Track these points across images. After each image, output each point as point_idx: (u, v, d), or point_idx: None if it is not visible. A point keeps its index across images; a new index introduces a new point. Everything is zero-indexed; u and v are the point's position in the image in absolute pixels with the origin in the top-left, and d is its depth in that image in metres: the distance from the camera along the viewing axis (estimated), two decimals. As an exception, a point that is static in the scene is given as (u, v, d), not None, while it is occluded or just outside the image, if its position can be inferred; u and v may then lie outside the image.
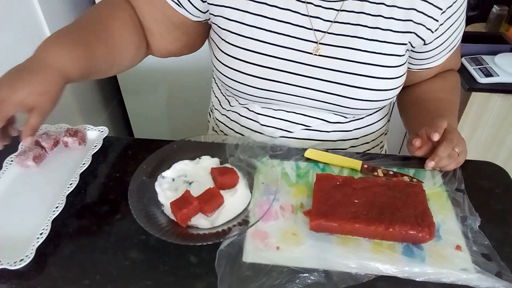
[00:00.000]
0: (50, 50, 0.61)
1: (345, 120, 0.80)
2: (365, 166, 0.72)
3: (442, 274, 0.56)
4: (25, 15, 1.17)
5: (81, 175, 0.70)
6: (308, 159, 0.74)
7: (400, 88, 0.75)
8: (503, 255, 0.58)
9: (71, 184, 0.68)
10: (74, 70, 0.62)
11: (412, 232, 0.58)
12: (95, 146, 0.76)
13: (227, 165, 0.70)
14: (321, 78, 0.71)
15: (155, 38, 0.79)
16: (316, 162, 0.74)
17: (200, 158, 0.72)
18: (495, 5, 1.57)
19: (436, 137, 0.67)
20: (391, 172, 0.71)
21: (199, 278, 0.56)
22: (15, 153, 0.74)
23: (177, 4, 0.73)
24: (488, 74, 1.37)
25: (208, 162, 0.71)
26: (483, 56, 1.45)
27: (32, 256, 0.57)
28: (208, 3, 0.72)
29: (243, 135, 0.86)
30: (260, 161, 0.72)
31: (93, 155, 0.74)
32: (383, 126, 0.89)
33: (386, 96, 0.74)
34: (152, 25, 0.77)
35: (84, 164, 0.72)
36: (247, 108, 0.83)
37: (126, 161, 0.75)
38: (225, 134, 0.90)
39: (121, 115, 1.84)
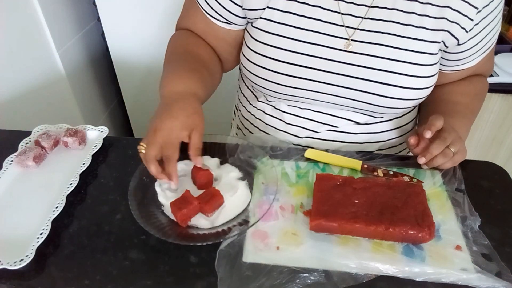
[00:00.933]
0: (180, 84, 0.69)
1: (373, 121, 0.80)
2: (365, 166, 0.72)
3: (442, 274, 0.56)
4: (25, 15, 1.17)
5: (81, 175, 0.70)
6: (308, 159, 0.74)
7: (431, 88, 0.74)
8: (503, 255, 0.58)
9: (71, 184, 0.68)
10: (202, 93, 0.71)
11: (412, 232, 0.58)
12: (95, 146, 0.76)
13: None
14: (352, 75, 0.70)
15: (223, 60, 0.85)
16: (316, 162, 0.74)
17: (200, 158, 0.72)
18: (495, 5, 1.57)
19: (427, 134, 0.66)
20: (391, 172, 0.71)
21: (199, 278, 0.56)
22: (15, 153, 0.74)
23: (226, 23, 0.76)
24: (488, 74, 1.36)
25: (208, 162, 0.71)
26: (483, 56, 1.45)
27: (32, 256, 0.57)
28: (244, 9, 0.72)
29: (267, 133, 0.85)
30: (260, 161, 0.72)
31: (93, 155, 0.74)
32: (411, 130, 0.88)
33: (417, 95, 0.72)
34: (217, 52, 0.82)
35: (84, 164, 0.72)
36: (273, 106, 0.83)
37: (126, 161, 0.75)
38: (250, 132, 0.90)
39: (121, 115, 1.84)
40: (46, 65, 1.28)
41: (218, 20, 0.76)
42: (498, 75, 1.36)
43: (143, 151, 0.62)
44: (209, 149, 0.74)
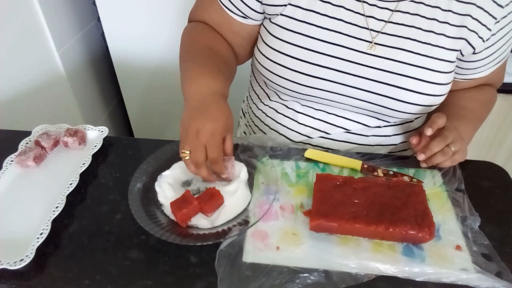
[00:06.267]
0: (213, 85, 0.69)
1: (385, 125, 0.80)
2: (365, 166, 0.72)
3: (442, 274, 0.56)
4: (25, 15, 1.17)
5: (81, 175, 0.70)
6: (308, 159, 0.74)
7: (445, 96, 0.74)
8: (503, 255, 0.58)
9: (71, 184, 0.68)
10: (227, 91, 0.72)
11: (412, 232, 0.58)
12: (95, 146, 0.76)
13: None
14: (372, 78, 0.70)
15: (236, 53, 0.84)
16: (316, 162, 0.74)
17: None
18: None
19: (428, 131, 0.67)
20: (391, 172, 0.71)
21: (199, 278, 0.56)
22: (15, 153, 0.74)
23: (243, 17, 0.76)
24: (488, 74, 1.36)
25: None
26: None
27: (32, 256, 0.57)
28: (263, 4, 0.72)
29: (278, 132, 0.85)
30: (260, 161, 0.72)
31: (93, 155, 0.74)
32: None
33: (432, 102, 0.73)
34: (232, 46, 0.82)
35: (84, 164, 0.72)
36: (286, 106, 0.82)
37: (126, 161, 0.75)
38: (260, 130, 0.89)
39: (121, 115, 1.84)
40: (46, 65, 1.28)
41: (234, 13, 0.76)
42: (498, 75, 1.35)
43: (187, 158, 0.63)
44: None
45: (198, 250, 0.59)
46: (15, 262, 0.56)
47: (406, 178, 0.70)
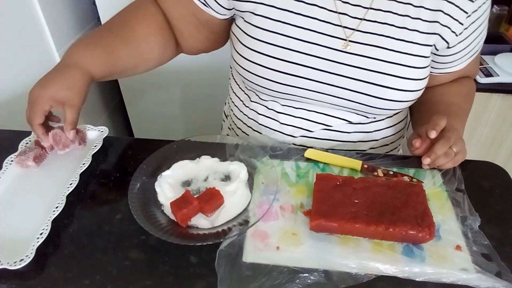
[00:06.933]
0: (73, 52, 0.67)
1: (366, 121, 0.80)
2: (365, 166, 0.72)
3: (442, 274, 0.56)
4: (25, 15, 1.17)
5: (81, 175, 0.70)
6: (308, 159, 0.74)
7: (422, 91, 0.75)
8: (503, 255, 0.58)
9: (71, 184, 0.68)
10: (96, 68, 0.68)
11: (412, 232, 0.58)
12: (95, 146, 0.76)
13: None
14: (348, 75, 0.71)
15: (185, 39, 0.82)
16: (316, 162, 0.74)
17: (200, 158, 0.72)
18: (495, 5, 1.57)
19: (432, 134, 0.67)
20: (391, 172, 0.71)
21: (199, 278, 0.56)
22: (15, 153, 0.74)
23: (203, 4, 0.75)
24: (488, 74, 1.36)
25: (208, 162, 0.71)
26: (483, 56, 1.45)
27: (32, 256, 0.57)
28: (233, 0, 0.72)
29: (261, 133, 0.85)
30: (260, 161, 0.72)
31: (93, 155, 0.74)
32: (402, 129, 0.89)
33: (410, 97, 0.73)
34: (181, 26, 0.80)
35: (84, 164, 0.72)
36: (266, 107, 0.82)
37: (126, 161, 0.75)
38: (243, 132, 0.89)
39: (121, 115, 1.84)
40: (46, 65, 1.28)
41: None
42: (498, 75, 1.36)
43: None
44: (209, 149, 0.74)
45: (198, 250, 0.59)
46: (15, 262, 0.56)
47: (406, 178, 0.70)
